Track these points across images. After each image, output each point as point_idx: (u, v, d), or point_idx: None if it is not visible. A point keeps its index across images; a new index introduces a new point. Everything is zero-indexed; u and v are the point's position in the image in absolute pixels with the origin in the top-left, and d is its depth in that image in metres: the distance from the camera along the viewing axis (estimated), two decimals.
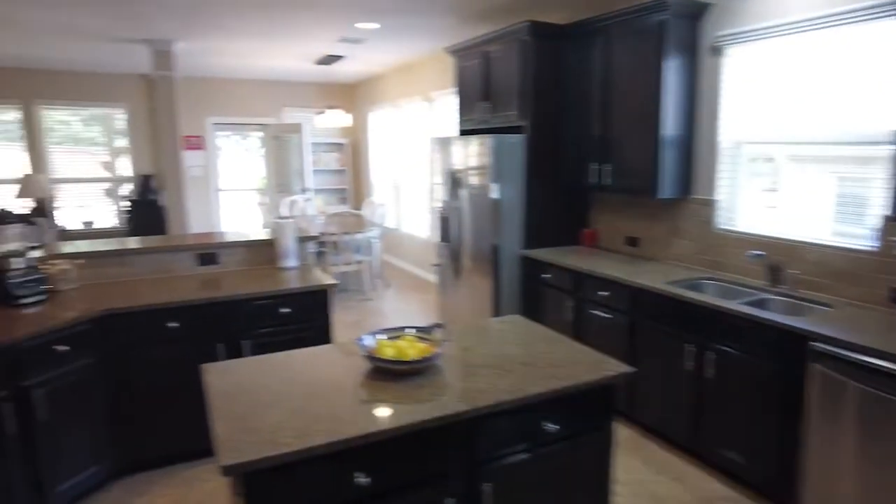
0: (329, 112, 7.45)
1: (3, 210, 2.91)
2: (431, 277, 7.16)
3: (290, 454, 1.42)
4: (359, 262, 6.47)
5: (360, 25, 5.10)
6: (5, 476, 2.36)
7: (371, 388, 1.77)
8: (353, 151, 9.57)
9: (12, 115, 7.61)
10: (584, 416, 1.90)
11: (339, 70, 7.73)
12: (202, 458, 3.07)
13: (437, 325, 2.05)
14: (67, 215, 7.98)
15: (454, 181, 4.49)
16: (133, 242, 3.63)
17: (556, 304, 3.88)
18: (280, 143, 8.67)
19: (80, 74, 7.76)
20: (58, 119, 7.94)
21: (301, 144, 8.39)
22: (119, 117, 8.18)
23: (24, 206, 7.31)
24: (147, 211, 7.54)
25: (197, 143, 8.37)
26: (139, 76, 8.02)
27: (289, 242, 3.51)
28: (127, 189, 8.31)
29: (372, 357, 1.88)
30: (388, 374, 1.87)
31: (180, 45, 5.89)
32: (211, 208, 8.78)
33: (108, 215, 8.37)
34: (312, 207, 7.85)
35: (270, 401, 1.69)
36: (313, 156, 8.75)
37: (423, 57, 6.85)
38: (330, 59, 6.83)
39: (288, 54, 6.61)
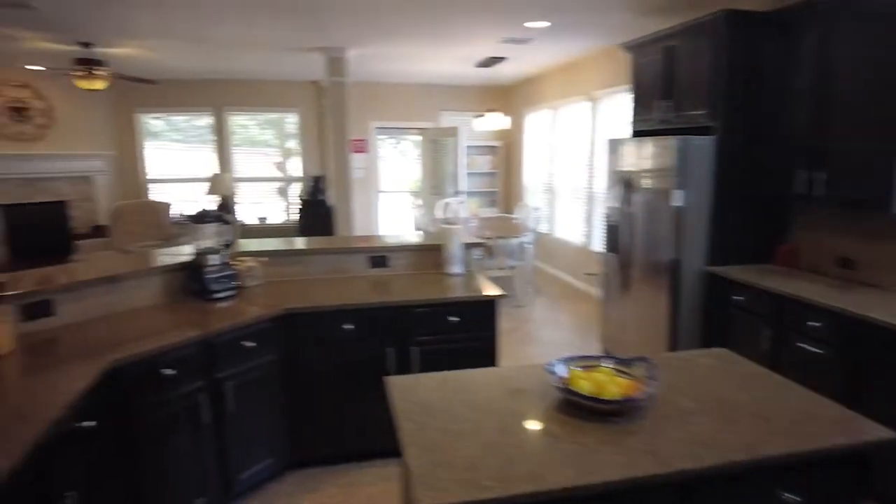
0: (488, 115, 7.40)
1: (203, 210, 3.13)
2: (584, 287, 6.82)
3: (493, 501, 1.27)
4: (512, 268, 6.32)
5: (529, 24, 4.93)
6: (200, 462, 2.52)
7: (566, 427, 1.57)
8: (506, 154, 9.46)
9: (205, 121, 8.55)
10: (828, 489, 1.54)
11: (496, 72, 7.63)
12: (368, 460, 3.09)
13: (640, 359, 1.80)
14: (244, 211, 8.78)
15: (627, 186, 4.14)
16: (307, 242, 3.78)
17: (749, 332, 3.39)
18: (436, 146, 8.80)
19: (259, 83, 8.49)
20: (239, 123, 8.77)
21: (456, 147, 8.44)
22: (290, 121, 8.83)
23: (210, 202, 8.14)
24: (316, 210, 8.02)
25: (361, 146, 8.76)
26: (310, 83, 8.58)
27: (456, 249, 3.43)
28: (296, 188, 8.95)
29: (566, 390, 1.68)
30: (582, 409, 1.66)
31: (352, 52, 6.14)
32: (371, 209, 9.16)
33: (278, 212, 9.08)
34: (465, 210, 7.85)
35: (459, 430, 1.56)
36: (466, 158, 8.78)
37: (587, 55, 6.52)
38: (491, 62, 6.75)
39: (450, 57, 6.63)
